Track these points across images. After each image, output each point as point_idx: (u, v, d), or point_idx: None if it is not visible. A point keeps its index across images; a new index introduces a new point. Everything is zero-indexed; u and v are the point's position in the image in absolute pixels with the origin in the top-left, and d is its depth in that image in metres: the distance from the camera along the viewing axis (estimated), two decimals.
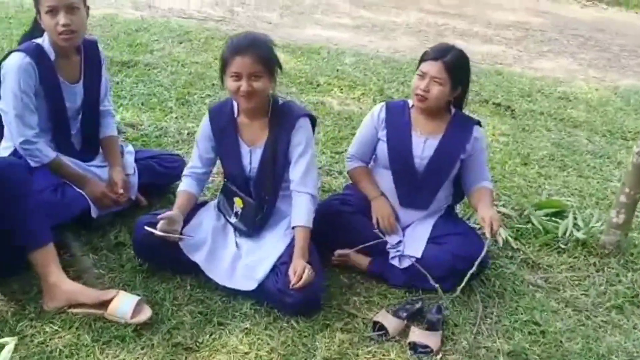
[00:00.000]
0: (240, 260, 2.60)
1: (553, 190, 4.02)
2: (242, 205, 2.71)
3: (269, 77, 2.53)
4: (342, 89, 5.38)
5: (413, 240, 2.83)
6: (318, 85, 5.37)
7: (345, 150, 4.14)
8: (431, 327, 2.51)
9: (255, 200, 2.68)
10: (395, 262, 2.80)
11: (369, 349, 2.39)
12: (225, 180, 2.82)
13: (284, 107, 2.67)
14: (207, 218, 2.73)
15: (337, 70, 5.83)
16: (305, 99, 4.96)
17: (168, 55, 5.53)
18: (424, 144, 2.84)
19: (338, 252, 2.86)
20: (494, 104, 5.59)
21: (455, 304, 2.72)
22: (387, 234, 2.83)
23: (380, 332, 2.46)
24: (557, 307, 2.83)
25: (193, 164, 2.80)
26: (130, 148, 3.10)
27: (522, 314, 2.73)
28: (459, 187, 2.97)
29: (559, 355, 2.50)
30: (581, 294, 2.96)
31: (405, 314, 2.56)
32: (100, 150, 3.01)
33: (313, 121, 2.72)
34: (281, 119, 2.63)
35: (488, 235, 2.57)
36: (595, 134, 5.22)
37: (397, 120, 2.87)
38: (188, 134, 3.97)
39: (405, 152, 2.84)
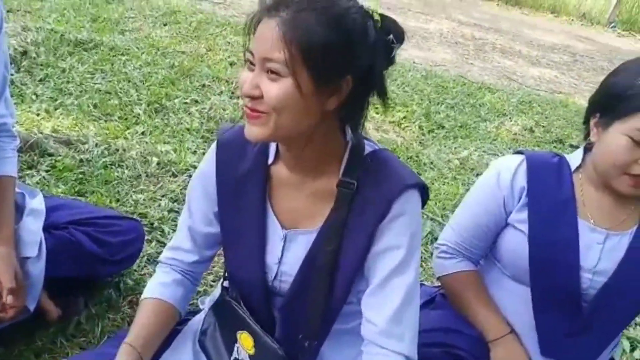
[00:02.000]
0: None
1: None
2: (252, 351, 1.26)
3: (315, 86, 1.04)
4: (377, 109, 3.94)
5: None
6: None
7: None
8: None
9: (283, 344, 1.24)
10: None
11: None
12: (227, 286, 1.34)
13: (373, 162, 1.20)
14: None
15: None
16: None
17: (145, 38, 4.04)
18: (603, 246, 1.42)
19: None
20: (571, 146, 4.22)
21: None
22: None
23: None
24: None
25: (177, 242, 1.35)
26: (37, 202, 1.60)
27: None
28: None
29: None
30: None
31: None
32: None
33: (424, 196, 1.25)
34: (365, 184, 1.18)
35: None
36: None
37: (550, 194, 1.45)
38: (159, 165, 2.49)
39: (565, 258, 1.42)
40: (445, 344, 1.51)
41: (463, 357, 1.49)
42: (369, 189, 1.17)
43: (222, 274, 1.89)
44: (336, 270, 1.19)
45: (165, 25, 4.45)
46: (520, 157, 1.48)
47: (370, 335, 1.19)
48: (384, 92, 1.13)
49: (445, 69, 5.46)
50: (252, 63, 1.06)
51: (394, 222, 1.16)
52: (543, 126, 4.47)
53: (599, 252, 1.41)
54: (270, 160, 1.23)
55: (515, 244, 1.46)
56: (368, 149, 1.20)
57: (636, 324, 2.33)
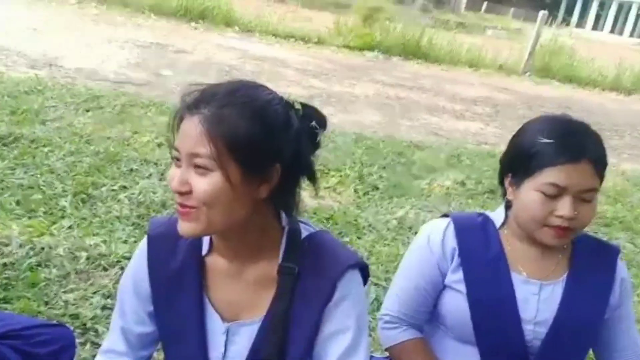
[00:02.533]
0: None
1: None
2: None
3: (244, 177, 1.05)
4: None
5: None
6: None
7: None
8: None
9: None
10: None
11: None
12: None
13: (311, 245, 1.18)
14: None
15: None
16: None
17: (68, 127, 3.95)
18: (539, 296, 1.44)
19: None
20: (502, 195, 4.31)
21: None
22: None
23: None
24: None
25: (110, 344, 1.28)
26: None
27: None
28: None
29: None
30: None
31: None
32: None
33: (364, 275, 1.24)
34: (306, 268, 1.15)
35: None
36: (635, 234, 4.05)
37: (481, 252, 1.47)
38: (88, 260, 2.37)
39: (505, 313, 1.44)
40: None
41: None
42: (310, 273, 1.15)
43: None
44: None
45: (88, 111, 4.38)
46: (447, 219, 1.52)
47: None
48: (312, 175, 1.15)
49: (374, 131, 5.57)
50: (178, 159, 1.06)
51: (339, 305, 1.15)
52: (474, 178, 4.58)
53: (536, 303, 1.44)
54: (204, 252, 1.20)
55: (455, 305, 1.47)
56: (304, 232, 1.20)
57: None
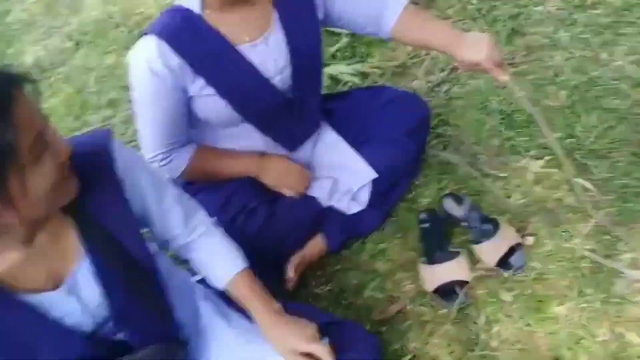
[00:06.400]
0: None
1: None
2: None
3: None
4: None
5: (341, 165, 1.82)
6: None
7: None
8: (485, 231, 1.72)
9: None
10: (352, 206, 1.81)
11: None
12: None
13: None
14: None
15: None
16: None
17: None
18: (268, 49, 1.53)
19: (290, 268, 1.73)
20: None
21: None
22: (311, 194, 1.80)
23: (450, 296, 1.64)
24: None
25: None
26: None
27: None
28: None
29: None
30: None
31: (443, 250, 1.73)
32: None
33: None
34: None
35: (505, 77, 1.42)
36: None
37: (202, 49, 1.47)
38: None
39: (254, 84, 1.53)
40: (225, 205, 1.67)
41: (248, 202, 1.68)
42: None
43: None
44: None
45: None
46: (152, 40, 1.44)
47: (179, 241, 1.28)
48: None
49: None
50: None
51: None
52: None
53: (271, 56, 1.53)
54: None
55: (212, 105, 1.53)
56: None
57: None
